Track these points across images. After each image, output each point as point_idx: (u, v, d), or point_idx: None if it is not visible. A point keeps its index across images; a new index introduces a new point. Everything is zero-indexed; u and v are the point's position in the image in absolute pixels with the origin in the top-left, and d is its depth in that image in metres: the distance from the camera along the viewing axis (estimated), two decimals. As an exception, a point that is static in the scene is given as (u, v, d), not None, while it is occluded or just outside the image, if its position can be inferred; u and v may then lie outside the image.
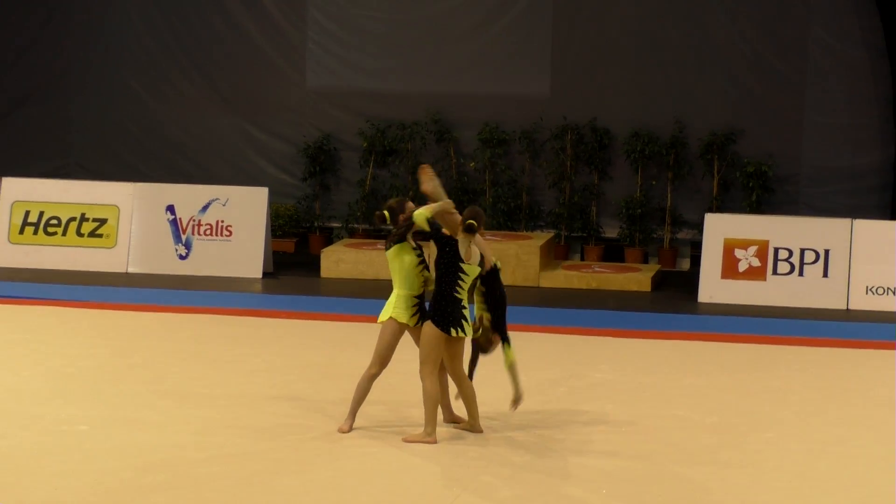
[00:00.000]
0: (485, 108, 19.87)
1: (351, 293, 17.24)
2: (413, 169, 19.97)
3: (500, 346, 11.09)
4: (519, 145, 19.82)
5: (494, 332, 11.05)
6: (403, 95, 20.13)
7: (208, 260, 18.20)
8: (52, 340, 13.98)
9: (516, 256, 18.14)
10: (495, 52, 19.93)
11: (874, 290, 16.96)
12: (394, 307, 10.93)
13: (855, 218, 17.49)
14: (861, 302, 16.96)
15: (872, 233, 17.23)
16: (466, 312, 10.75)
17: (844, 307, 16.93)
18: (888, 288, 16.94)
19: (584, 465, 10.20)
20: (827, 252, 17.20)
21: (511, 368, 11.10)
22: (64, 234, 18.45)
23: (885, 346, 14.68)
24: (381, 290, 17.44)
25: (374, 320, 15.22)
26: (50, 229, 18.48)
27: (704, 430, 11.23)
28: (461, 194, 19.86)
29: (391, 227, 11.12)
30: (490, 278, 10.99)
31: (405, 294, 10.91)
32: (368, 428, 10.97)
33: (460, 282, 10.73)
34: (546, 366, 13.15)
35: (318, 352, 13.81)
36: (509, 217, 19.70)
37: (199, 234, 18.33)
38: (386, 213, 11.20)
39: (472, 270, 10.77)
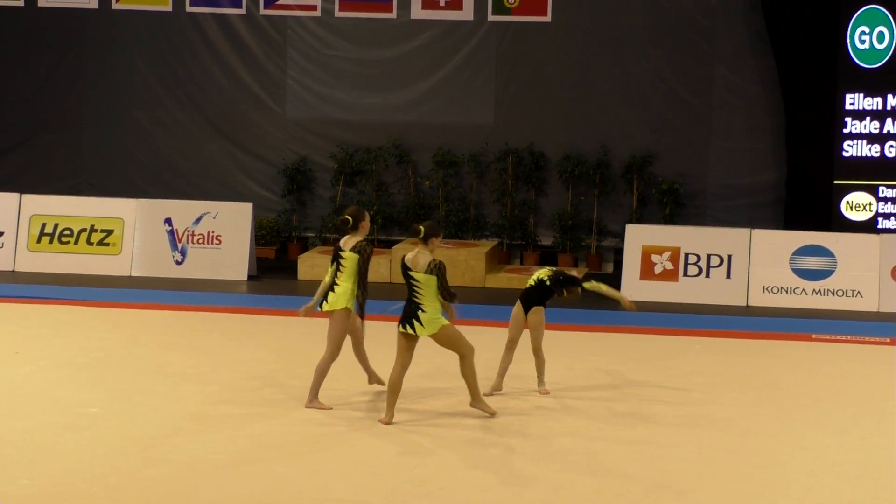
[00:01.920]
0: (439, 135, 19.88)
1: (324, 293, 17.22)
2: (377, 187, 19.98)
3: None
4: (468, 166, 19.84)
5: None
6: (369, 124, 20.12)
7: (201, 265, 18.12)
8: (67, 334, 13.90)
9: (465, 262, 18.17)
10: (447, 87, 19.96)
11: (770, 289, 17.05)
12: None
13: (753, 228, 17.59)
14: (759, 300, 17.04)
15: (768, 240, 17.34)
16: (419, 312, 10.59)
17: (745, 304, 17.00)
18: (781, 287, 17.05)
19: (526, 443, 10.21)
20: (730, 257, 17.28)
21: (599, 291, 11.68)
22: (76, 242, 18.33)
23: (780, 336, 14.78)
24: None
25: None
26: (64, 239, 18.36)
27: (623, 409, 11.25)
28: (418, 208, 19.89)
29: (350, 230, 11.19)
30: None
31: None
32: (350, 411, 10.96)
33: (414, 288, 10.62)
34: (493, 356, 13.15)
35: (295, 343, 13.77)
36: (459, 228, 19.71)
37: (192, 242, 18.26)
38: (349, 218, 11.31)
39: (418, 277, 10.61)
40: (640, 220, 18.87)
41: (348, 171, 20.01)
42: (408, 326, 10.61)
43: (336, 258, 11.24)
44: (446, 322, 10.68)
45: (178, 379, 11.96)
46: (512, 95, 19.81)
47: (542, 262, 19.26)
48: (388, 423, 10.56)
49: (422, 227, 10.72)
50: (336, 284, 11.17)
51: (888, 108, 17.85)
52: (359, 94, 20.17)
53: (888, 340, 14.50)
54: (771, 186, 19.14)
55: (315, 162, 20.26)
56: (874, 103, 17.87)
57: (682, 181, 19.11)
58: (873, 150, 17.95)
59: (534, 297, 11.75)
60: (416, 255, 10.68)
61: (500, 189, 19.75)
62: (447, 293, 10.64)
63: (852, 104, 17.92)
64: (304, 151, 20.29)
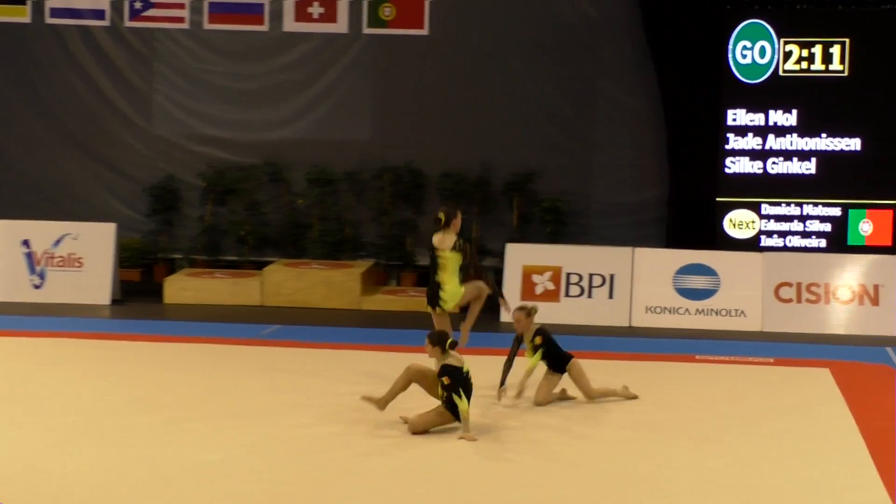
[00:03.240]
0: (313, 152, 19.80)
1: (193, 317, 17.05)
2: (249, 206, 19.81)
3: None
4: (344, 184, 19.78)
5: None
6: (240, 141, 19.98)
7: (61, 289, 17.84)
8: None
9: (341, 283, 18.10)
10: (322, 103, 19.90)
11: (653, 309, 17.22)
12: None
13: (636, 247, 17.75)
14: (642, 320, 17.20)
15: (651, 259, 17.52)
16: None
17: (627, 324, 17.15)
18: (665, 307, 17.22)
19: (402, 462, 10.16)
20: (612, 276, 17.42)
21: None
22: (-72, 266, 17.93)
23: (663, 357, 14.90)
24: (221, 314, 17.36)
25: (218, 342, 15.10)
26: (-85, 262, 17.95)
27: (509, 425, 11.24)
28: (293, 228, 19.78)
29: (443, 228, 12.52)
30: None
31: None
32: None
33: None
34: (367, 381, 13.08)
35: (161, 370, 13.54)
36: (335, 248, 19.63)
37: (52, 265, 17.96)
38: (442, 216, 12.61)
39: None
40: (521, 240, 18.94)
41: (218, 189, 19.83)
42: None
43: (433, 257, 12.59)
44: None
45: (35, 408, 11.68)
46: (389, 111, 19.80)
47: (419, 283, 19.25)
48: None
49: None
50: (442, 285, 12.57)
51: (770, 123, 18.16)
52: (230, 109, 20.03)
53: (772, 361, 14.71)
54: (654, 204, 19.34)
55: (183, 180, 20.04)
56: (756, 119, 18.17)
57: (565, 199, 19.24)
58: (756, 167, 18.24)
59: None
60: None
61: (378, 208, 19.71)
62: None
63: (734, 120, 18.20)
64: (172, 169, 20.06)
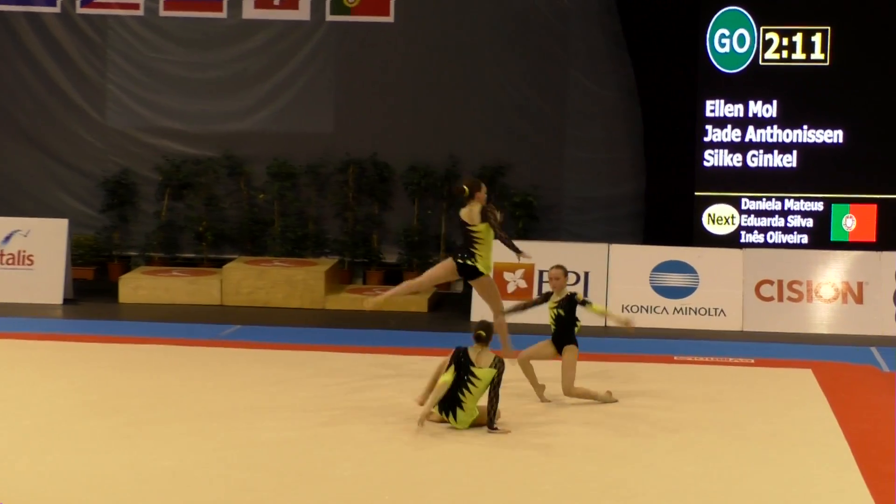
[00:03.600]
0: (274, 145, 19.73)
1: (149, 317, 16.95)
2: (207, 201, 19.71)
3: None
4: (306, 178, 19.71)
5: None
6: (198, 133, 19.89)
7: (11, 288, 17.72)
8: None
9: (304, 281, 18.03)
10: (283, 93, 19.81)
11: (629, 307, 17.19)
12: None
13: (611, 243, 17.73)
14: (618, 319, 17.13)
15: (627, 256, 17.49)
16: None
17: (603, 323, 17.09)
18: (641, 305, 17.20)
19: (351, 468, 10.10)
20: (587, 274, 17.39)
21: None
22: None
23: (640, 358, 14.87)
24: (178, 314, 17.26)
25: (175, 343, 15.02)
26: None
27: (476, 435, 11.21)
28: (252, 224, 19.70)
29: (467, 200, 12.70)
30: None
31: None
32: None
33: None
34: (330, 384, 13.00)
35: (117, 372, 13.43)
36: (297, 245, 19.54)
37: (1, 263, 17.83)
38: (466, 187, 12.73)
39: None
40: (491, 236, 18.84)
41: (175, 183, 19.73)
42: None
43: (465, 233, 12.80)
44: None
45: (-17, 413, 11.57)
46: (353, 102, 19.73)
47: (386, 281, 19.20)
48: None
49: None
50: (475, 255, 12.84)
51: (750, 115, 18.17)
52: (187, 100, 19.93)
53: (752, 361, 14.70)
54: (629, 199, 19.34)
55: (138, 174, 19.93)
56: (735, 110, 18.17)
57: (536, 194, 19.21)
58: (735, 160, 18.24)
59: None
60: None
61: (341, 203, 19.64)
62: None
63: (713, 111, 18.20)
64: (127, 163, 19.94)
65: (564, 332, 12.49)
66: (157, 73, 19.95)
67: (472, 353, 11.33)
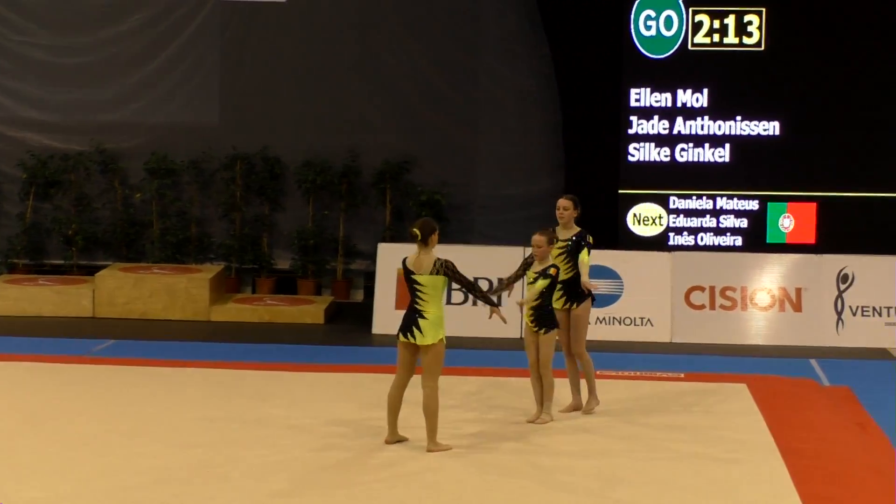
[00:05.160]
0: (152, 138, 19.68)
1: (12, 331, 16.83)
2: (77, 200, 19.59)
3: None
4: (188, 175, 19.67)
5: None
6: (67, 125, 19.80)
7: None
8: None
9: (185, 290, 17.99)
10: (162, 81, 19.77)
11: (547, 317, 17.26)
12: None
13: (527, 245, 17.78)
14: (535, 330, 17.23)
15: (544, 261, 17.57)
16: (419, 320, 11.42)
17: (518, 336, 17.18)
18: (560, 315, 17.29)
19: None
20: (500, 280, 17.45)
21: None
22: None
23: (556, 374, 14.92)
24: (46, 327, 17.13)
25: (41, 359, 14.90)
26: None
27: (395, 450, 11.25)
28: (127, 227, 19.61)
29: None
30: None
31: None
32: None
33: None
34: (217, 403, 12.99)
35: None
36: (178, 249, 19.50)
37: None
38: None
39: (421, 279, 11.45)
40: (394, 239, 18.95)
41: (41, 181, 19.64)
42: (408, 335, 11.42)
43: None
44: (443, 337, 11.46)
45: None
46: (240, 91, 19.73)
47: (278, 290, 19.20)
48: (391, 442, 11.59)
49: (416, 230, 11.50)
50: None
51: (678, 104, 18.37)
52: (54, 88, 19.87)
53: (682, 376, 14.85)
54: (547, 197, 19.40)
55: (-1, 171, 19.82)
56: (662, 99, 18.37)
57: (445, 191, 19.30)
58: (662, 154, 18.44)
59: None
60: (419, 256, 11.49)
61: (228, 203, 19.63)
62: (471, 287, 11.81)
63: (638, 100, 18.38)
64: (-14, 158, 19.82)
65: (545, 314, 12.66)
66: (21, 58, 19.85)
67: (410, 260, 11.48)
